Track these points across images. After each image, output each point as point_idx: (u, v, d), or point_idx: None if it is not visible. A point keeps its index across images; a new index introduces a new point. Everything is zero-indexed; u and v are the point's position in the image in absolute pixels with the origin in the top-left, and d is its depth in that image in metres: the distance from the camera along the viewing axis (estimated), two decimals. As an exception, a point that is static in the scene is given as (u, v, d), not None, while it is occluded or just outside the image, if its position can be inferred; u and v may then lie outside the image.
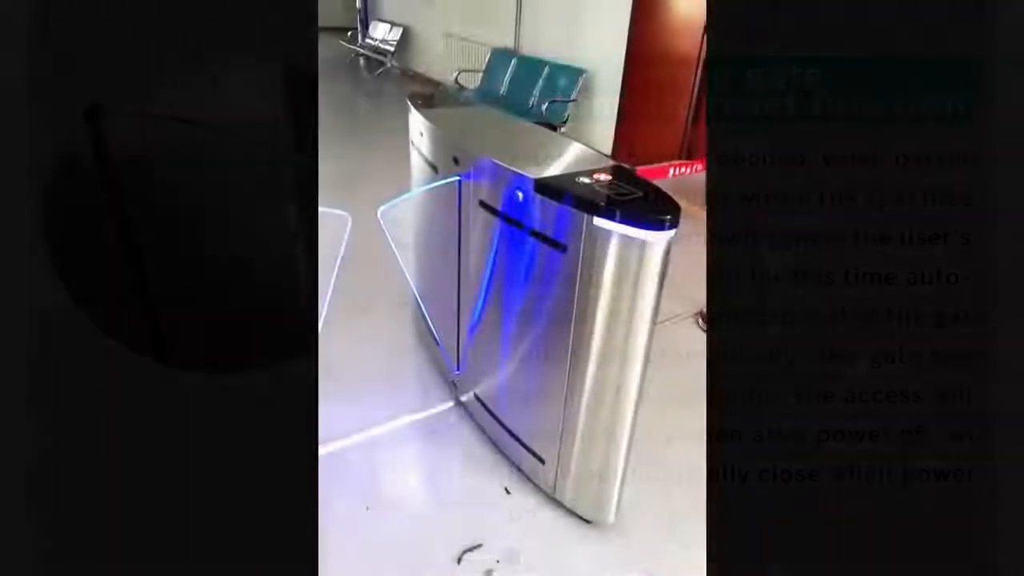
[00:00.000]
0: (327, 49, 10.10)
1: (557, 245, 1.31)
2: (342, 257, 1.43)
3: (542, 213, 1.32)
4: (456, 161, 1.60)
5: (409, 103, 1.98)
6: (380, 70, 7.92)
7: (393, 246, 1.82)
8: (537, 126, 1.92)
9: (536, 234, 1.36)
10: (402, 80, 7.61)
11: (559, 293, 1.35)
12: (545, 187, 1.29)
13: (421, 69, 7.58)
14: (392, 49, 7.77)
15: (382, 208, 1.62)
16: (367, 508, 1.52)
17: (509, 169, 1.38)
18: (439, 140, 1.72)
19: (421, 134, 1.85)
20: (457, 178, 1.61)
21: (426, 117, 1.79)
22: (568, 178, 1.31)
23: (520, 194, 1.37)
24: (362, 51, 8.51)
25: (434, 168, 1.76)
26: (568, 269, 1.29)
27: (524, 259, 1.44)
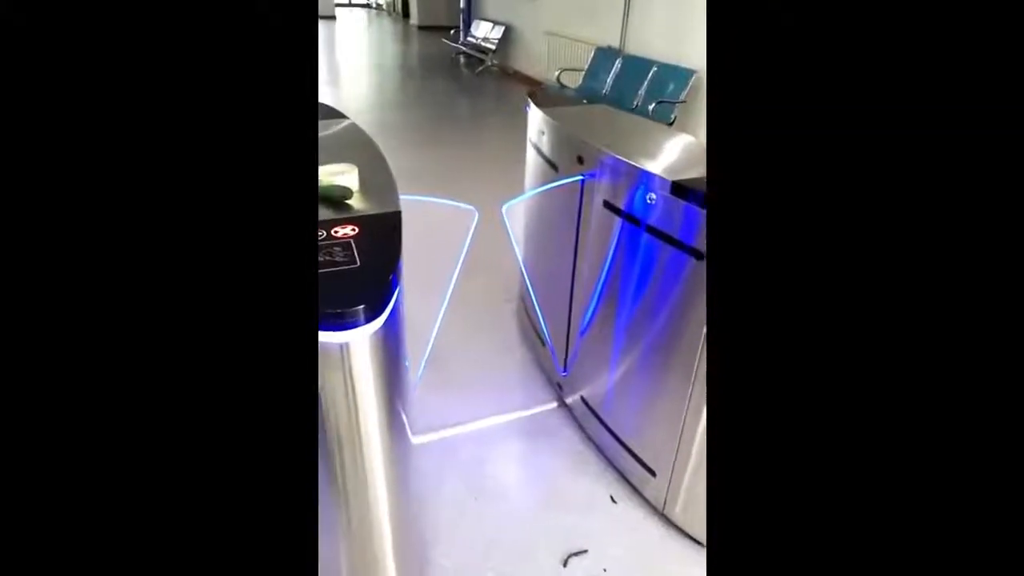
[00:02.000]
0: (429, 47, 10.44)
1: (692, 251, 1.25)
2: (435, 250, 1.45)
3: (677, 216, 1.27)
4: (580, 160, 1.58)
5: (529, 100, 1.99)
6: (480, 68, 8.07)
7: (514, 244, 1.83)
8: (663, 125, 1.86)
9: (668, 238, 1.31)
10: (501, 78, 7.71)
11: (690, 300, 1.29)
12: (684, 189, 1.24)
13: (521, 67, 7.64)
14: (493, 47, 7.89)
15: (506, 205, 1.63)
16: (475, 498, 1.53)
17: (643, 169, 1.34)
18: (563, 138, 1.70)
19: (542, 132, 1.85)
20: (580, 177, 1.59)
21: (549, 115, 1.79)
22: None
23: (652, 196, 1.32)
24: (463, 49, 8.71)
25: (554, 167, 1.75)
26: (704, 276, 1.24)
27: (650, 263, 1.39)
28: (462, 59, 8.98)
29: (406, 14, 14.87)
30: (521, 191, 2.07)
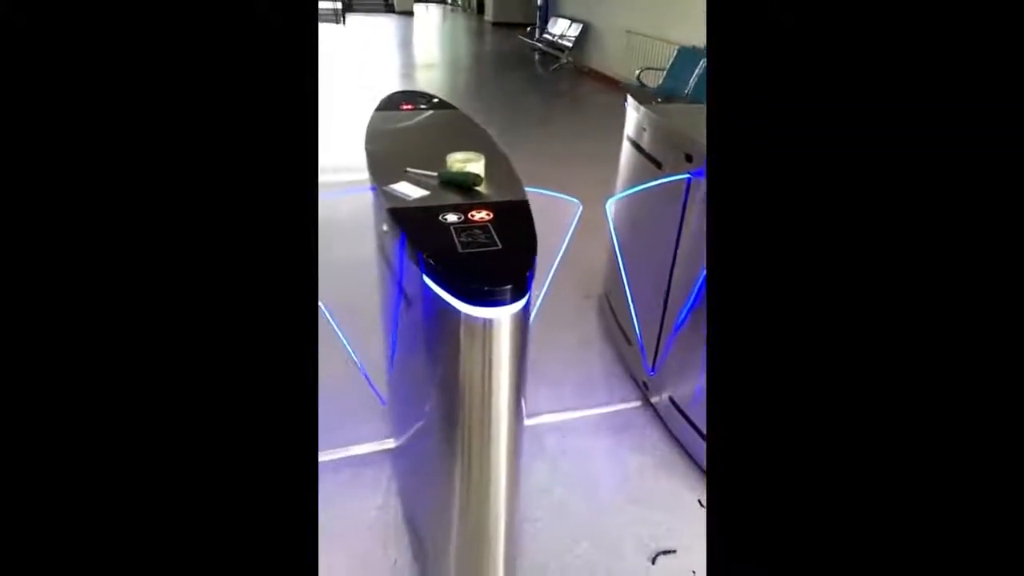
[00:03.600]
0: (503, 44, 10.53)
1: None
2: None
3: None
4: (689, 158, 1.56)
5: (630, 98, 1.98)
6: (555, 65, 8.07)
7: (614, 239, 1.83)
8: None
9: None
10: (576, 76, 7.68)
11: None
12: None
13: (596, 65, 7.58)
14: (570, 45, 7.87)
15: (609, 200, 1.64)
16: (560, 487, 1.56)
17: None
18: (669, 136, 1.69)
19: (643, 129, 1.84)
20: (688, 175, 1.57)
21: (654, 112, 1.78)
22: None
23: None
24: (538, 46, 8.73)
25: (658, 164, 1.74)
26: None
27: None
28: (536, 56, 9.01)
29: (480, 10, 15.05)
30: (601, 186, 2.06)
